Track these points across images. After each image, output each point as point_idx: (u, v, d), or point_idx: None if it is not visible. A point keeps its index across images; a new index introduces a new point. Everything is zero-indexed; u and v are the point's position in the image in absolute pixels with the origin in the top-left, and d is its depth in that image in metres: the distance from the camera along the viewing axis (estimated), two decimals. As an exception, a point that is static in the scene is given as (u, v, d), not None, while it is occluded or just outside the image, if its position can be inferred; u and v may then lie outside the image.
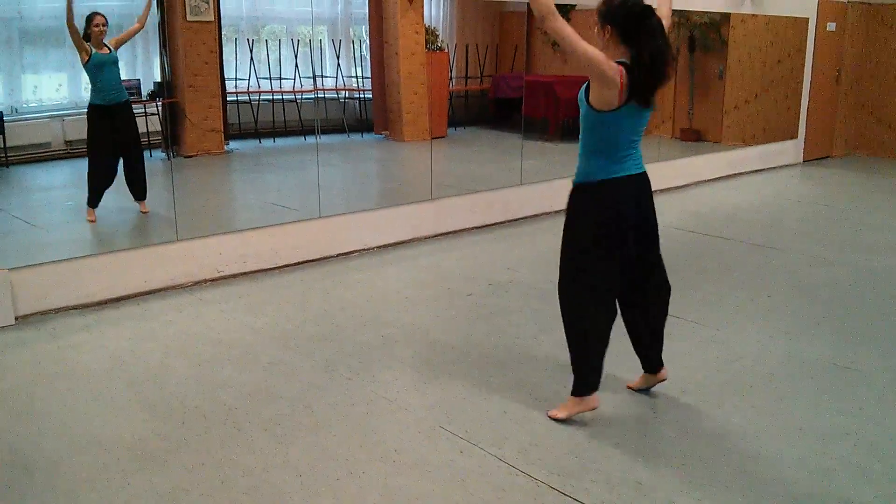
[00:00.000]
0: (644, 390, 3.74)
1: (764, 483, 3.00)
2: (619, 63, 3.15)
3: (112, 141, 5.93)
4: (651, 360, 3.66)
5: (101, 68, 5.77)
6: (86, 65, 5.71)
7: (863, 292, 5.32)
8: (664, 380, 3.71)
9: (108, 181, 5.94)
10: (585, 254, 3.35)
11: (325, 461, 3.13)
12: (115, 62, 5.87)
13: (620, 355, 3.71)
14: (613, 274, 3.37)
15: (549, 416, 3.47)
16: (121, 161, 6.00)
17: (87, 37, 5.71)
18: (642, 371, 3.72)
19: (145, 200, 6.09)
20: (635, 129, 3.29)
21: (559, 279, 3.46)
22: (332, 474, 3.04)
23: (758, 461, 3.15)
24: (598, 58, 3.10)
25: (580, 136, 3.34)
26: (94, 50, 5.72)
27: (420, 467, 3.09)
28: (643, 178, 3.36)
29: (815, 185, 9.48)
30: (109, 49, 5.82)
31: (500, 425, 3.42)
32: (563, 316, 3.46)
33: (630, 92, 3.15)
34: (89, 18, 5.70)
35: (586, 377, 3.42)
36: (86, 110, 5.88)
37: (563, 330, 3.48)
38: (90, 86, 5.80)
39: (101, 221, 5.90)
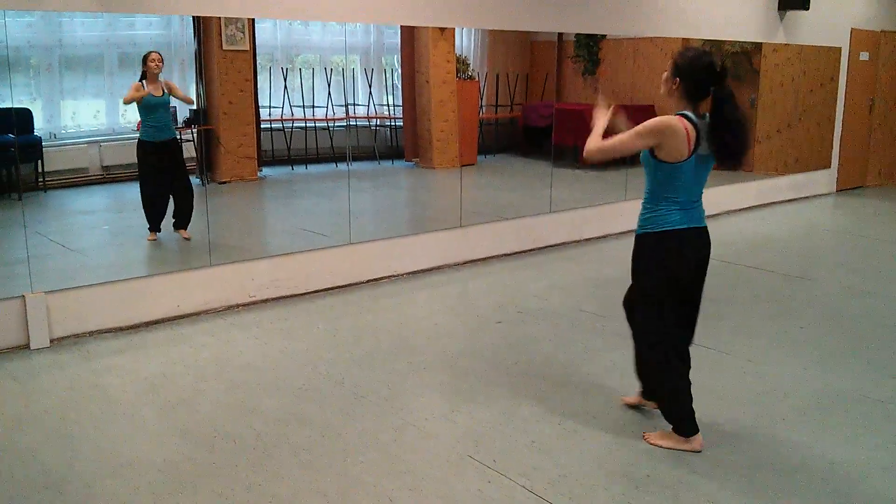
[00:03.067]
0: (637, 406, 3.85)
1: (797, 519, 2.95)
2: (681, 115, 3.24)
3: (161, 174, 6.21)
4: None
5: (153, 109, 6.07)
6: (139, 104, 6.02)
7: (898, 325, 5.24)
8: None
9: (163, 210, 6.22)
10: (661, 304, 3.43)
11: (353, 489, 3.13)
12: (167, 105, 6.18)
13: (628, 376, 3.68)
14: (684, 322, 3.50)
15: (646, 439, 3.51)
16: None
17: (143, 74, 6.02)
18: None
19: (186, 228, 6.24)
20: (699, 180, 3.37)
21: (638, 309, 3.56)
22: (360, 502, 3.04)
23: (792, 497, 3.10)
24: (646, 133, 3.23)
25: (646, 186, 3.42)
26: (148, 91, 6.01)
27: (447, 497, 3.08)
28: (706, 233, 3.45)
29: (848, 215, 9.38)
30: (163, 91, 6.11)
31: (529, 455, 3.41)
32: (649, 363, 3.57)
33: (697, 145, 3.23)
34: (145, 57, 6.03)
35: (683, 421, 3.49)
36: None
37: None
38: (141, 121, 6.09)
39: (137, 246, 5.99)
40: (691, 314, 3.51)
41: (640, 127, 3.27)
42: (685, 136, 3.21)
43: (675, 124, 3.21)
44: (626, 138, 3.30)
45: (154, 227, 6.11)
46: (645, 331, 3.52)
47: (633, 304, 3.62)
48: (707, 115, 3.28)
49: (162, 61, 6.06)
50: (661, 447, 3.47)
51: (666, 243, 3.35)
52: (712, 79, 3.24)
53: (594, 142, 3.41)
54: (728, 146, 3.24)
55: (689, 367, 3.52)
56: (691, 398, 3.48)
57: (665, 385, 3.51)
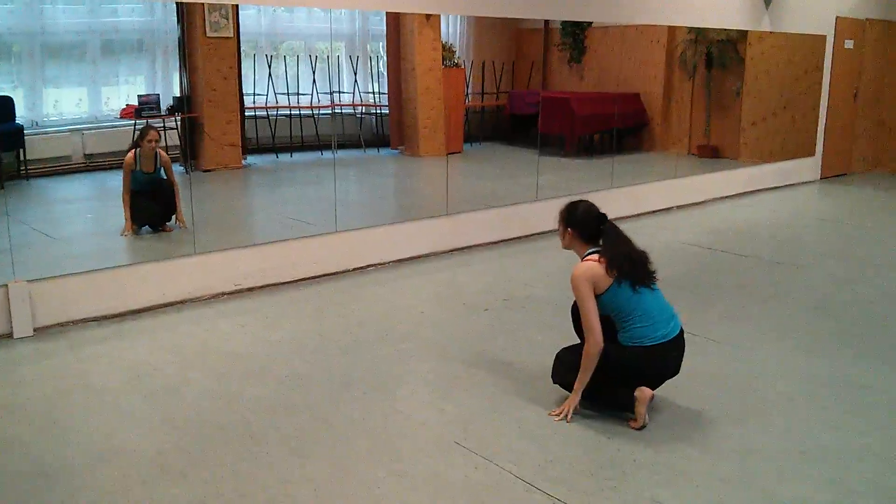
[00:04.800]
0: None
1: None
2: (592, 253, 3.57)
3: (149, 205, 6.09)
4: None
5: (141, 181, 5.97)
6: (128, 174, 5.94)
7: (883, 310, 5.27)
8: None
9: (144, 222, 6.13)
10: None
11: (341, 476, 3.13)
12: (156, 180, 6.05)
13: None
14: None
15: (632, 426, 3.54)
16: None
17: (136, 145, 5.92)
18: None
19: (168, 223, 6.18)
20: (646, 299, 3.56)
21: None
22: (348, 489, 3.04)
23: (781, 482, 3.12)
24: (577, 290, 3.53)
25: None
26: (139, 168, 5.91)
27: (435, 483, 3.08)
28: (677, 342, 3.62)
29: (833, 203, 9.43)
30: (155, 167, 6.00)
31: (517, 441, 3.41)
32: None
33: (620, 276, 3.50)
34: (143, 131, 5.92)
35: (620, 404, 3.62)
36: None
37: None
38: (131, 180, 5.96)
39: (119, 235, 5.93)
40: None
41: (575, 292, 3.54)
42: (601, 269, 3.48)
43: (587, 266, 3.51)
44: (583, 308, 3.51)
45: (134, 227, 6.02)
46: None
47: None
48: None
49: (159, 140, 5.96)
50: (643, 425, 3.51)
51: (632, 352, 3.53)
52: (597, 220, 3.60)
53: (589, 333, 3.52)
54: (628, 273, 3.49)
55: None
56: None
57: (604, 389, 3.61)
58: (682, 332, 3.62)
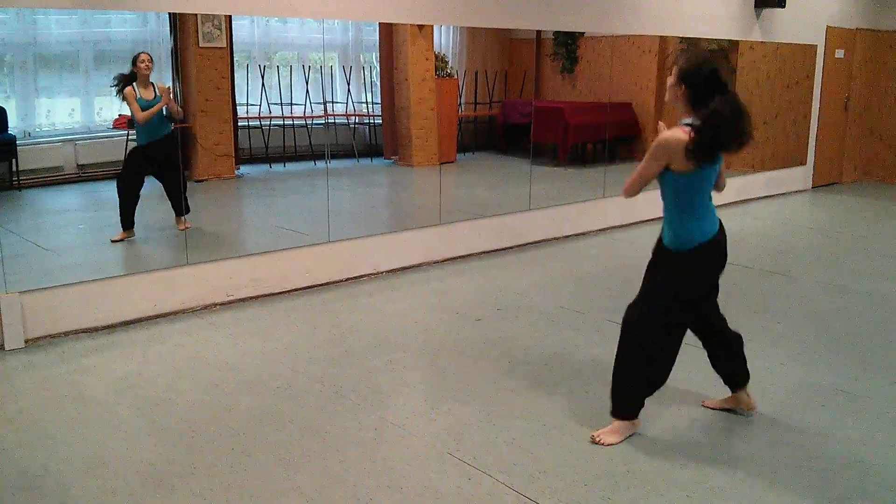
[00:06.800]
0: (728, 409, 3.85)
1: (775, 512, 2.97)
2: (687, 125, 3.25)
3: (145, 170, 6.10)
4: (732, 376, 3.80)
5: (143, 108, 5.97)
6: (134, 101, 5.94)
7: (874, 319, 5.29)
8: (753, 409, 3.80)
9: (136, 199, 6.07)
10: (675, 304, 3.47)
11: (332, 487, 3.12)
12: (161, 118, 6.06)
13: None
14: (691, 316, 3.57)
15: (597, 441, 3.47)
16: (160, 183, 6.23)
17: (132, 75, 5.92)
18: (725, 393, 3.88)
19: (184, 216, 6.20)
20: (710, 184, 3.43)
21: (637, 307, 3.51)
22: (339, 500, 3.03)
23: (770, 491, 3.12)
24: (653, 154, 3.32)
25: (666, 203, 3.46)
26: (140, 96, 5.92)
27: (428, 494, 3.07)
28: (723, 230, 3.54)
29: (824, 212, 9.47)
30: (155, 93, 6.02)
31: (509, 452, 3.41)
32: (627, 339, 3.51)
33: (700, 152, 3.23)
34: (134, 59, 5.94)
35: (629, 402, 3.52)
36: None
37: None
38: (135, 127, 5.99)
39: (113, 245, 5.92)
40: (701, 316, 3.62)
41: (648, 151, 3.34)
42: (683, 144, 3.22)
43: (677, 137, 3.23)
44: (641, 166, 3.37)
45: (127, 223, 5.97)
46: (647, 308, 3.48)
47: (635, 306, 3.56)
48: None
49: (152, 61, 5.96)
50: (613, 444, 3.46)
51: (700, 257, 3.44)
52: (717, 87, 3.22)
53: (626, 182, 3.47)
54: (705, 143, 3.20)
55: (675, 354, 3.54)
56: (649, 389, 3.54)
57: (641, 351, 3.48)
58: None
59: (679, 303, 3.46)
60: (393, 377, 4.22)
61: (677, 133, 3.25)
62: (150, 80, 5.99)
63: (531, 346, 4.70)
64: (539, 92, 9.87)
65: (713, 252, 3.47)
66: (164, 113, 6.07)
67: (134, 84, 5.92)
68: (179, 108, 6.30)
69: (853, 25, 10.76)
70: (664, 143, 3.28)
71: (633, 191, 3.44)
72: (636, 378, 3.51)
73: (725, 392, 3.85)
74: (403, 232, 6.60)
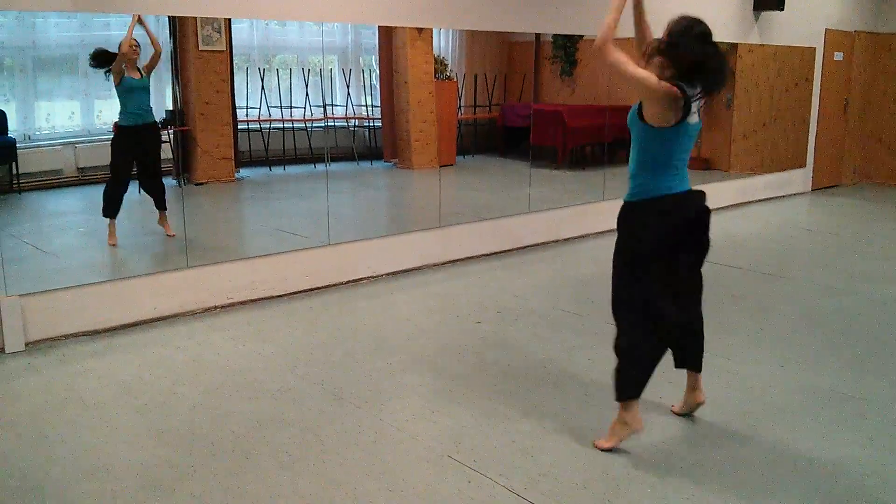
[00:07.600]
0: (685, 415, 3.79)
1: (775, 515, 2.98)
2: (677, 84, 3.20)
3: (133, 156, 6.10)
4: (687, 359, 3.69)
5: (131, 92, 5.94)
6: (117, 86, 5.89)
7: (873, 322, 5.29)
8: (701, 403, 3.74)
9: (124, 189, 6.06)
10: (644, 267, 3.36)
11: (332, 490, 3.12)
12: (146, 87, 6.05)
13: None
14: (670, 284, 3.41)
15: (596, 447, 3.45)
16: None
17: (115, 55, 5.88)
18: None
19: (168, 224, 6.18)
20: (688, 147, 3.36)
21: (614, 293, 3.47)
22: (338, 503, 3.03)
23: (769, 494, 3.12)
24: (652, 81, 3.19)
25: (632, 155, 3.38)
26: (126, 74, 5.89)
27: (428, 497, 3.07)
28: (699, 196, 3.44)
29: (823, 214, 9.47)
30: (141, 74, 6.00)
31: (509, 455, 3.41)
32: (617, 326, 3.48)
33: (686, 114, 3.21)
34: (120, 44, 5.88)
35: (626, 386, 3.42)
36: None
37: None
38: (120, 108, 5.96)
39: (112, 248, 5.93)
40: (684, 281, 3.48)
41: (653, 80, 3.20)
42: (681, 105, 3.21)
43: (678, 94, 3.20)
44: (640, 76, 3.22)
45: (111, 211, 5.93)
46: (619, 287, 3.44)
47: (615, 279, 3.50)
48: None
49: (139, 46, 5.92)
50: (613, 446, 3.44)
51: (656, 206, 3.34)
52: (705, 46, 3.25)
53: (607, 34, 3.30)
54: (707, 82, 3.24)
55: (665, 332, 3.43)
56: (649, 368, 3.44)
57: (628, 335, 3.42)
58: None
59: (642, 256, 3.35)
60: (393, 380, 4.22)
61: (676, 90, 3.21)
62: (138, 66, 5.96)
63: (531, 348, 4.70)
64: (538, 95, 9.87)
65: (674, 206, 3.36)
66: (148, 100, 6.03)
67: (123, 64, 5.89)
68: (159, 43, 6.12)
69: (852, 28, 10.77)
70: (673, 94, 3.19)
71: (606, 58, 3.26)
72: (631, 354, 3.42)
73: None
74: (403, 235, 6.60)
